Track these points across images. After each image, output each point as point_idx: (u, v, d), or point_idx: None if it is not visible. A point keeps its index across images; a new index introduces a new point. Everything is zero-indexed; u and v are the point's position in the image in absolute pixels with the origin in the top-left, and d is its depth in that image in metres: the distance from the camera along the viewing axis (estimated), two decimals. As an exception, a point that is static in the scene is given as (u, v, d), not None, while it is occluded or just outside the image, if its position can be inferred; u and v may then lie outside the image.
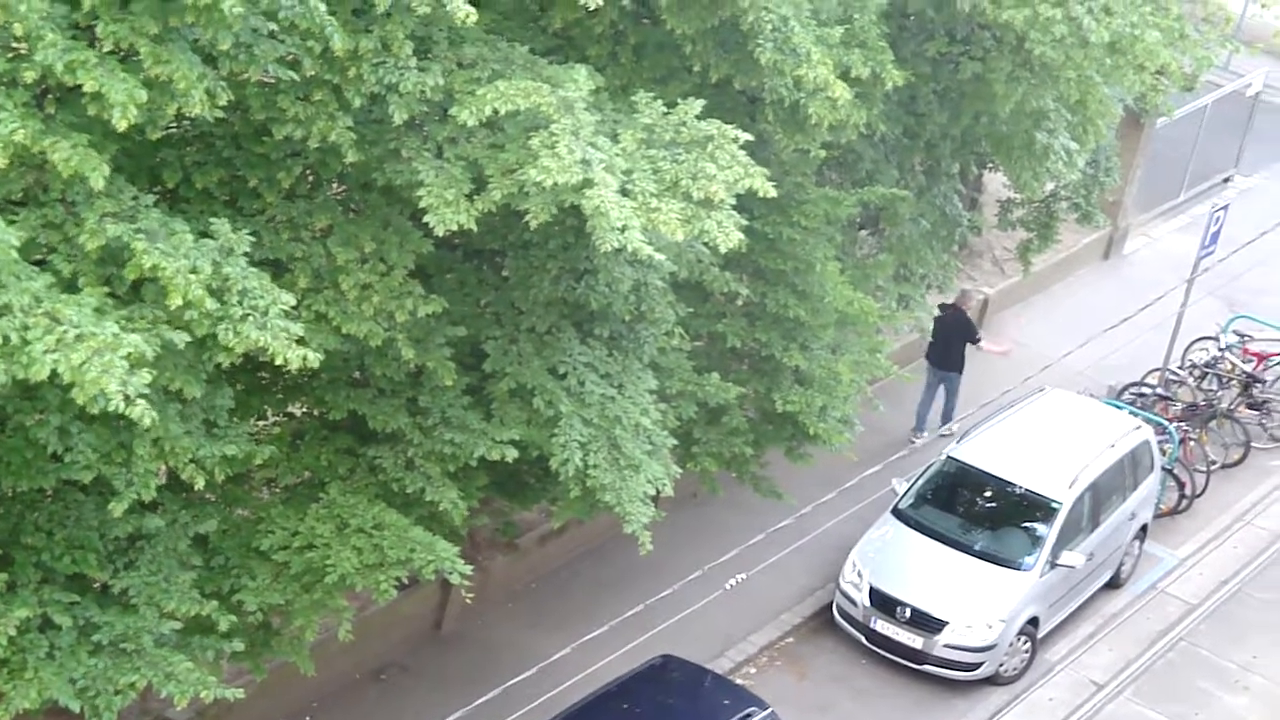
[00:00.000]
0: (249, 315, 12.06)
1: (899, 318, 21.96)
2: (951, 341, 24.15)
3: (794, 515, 21.95)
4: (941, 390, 24.51)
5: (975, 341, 24.26)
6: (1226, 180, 31.63)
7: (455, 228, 13.46)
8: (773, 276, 18.17)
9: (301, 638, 15.17)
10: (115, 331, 11.08)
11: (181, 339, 11.90)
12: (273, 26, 12.41)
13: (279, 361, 12.06)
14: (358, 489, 15.23)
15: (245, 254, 12.37)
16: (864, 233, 22.51)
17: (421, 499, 15.26)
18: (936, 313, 23.66)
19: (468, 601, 17.41)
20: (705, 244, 14.07)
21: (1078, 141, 20.70)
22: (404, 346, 14.43)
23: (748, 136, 14.15)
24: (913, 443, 23.34)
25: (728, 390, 17.49)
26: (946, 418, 24.44)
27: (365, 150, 13.76)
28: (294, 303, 12.38)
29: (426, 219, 13.50)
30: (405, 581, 15.02)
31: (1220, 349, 25.52)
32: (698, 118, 14.13)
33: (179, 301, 11.79)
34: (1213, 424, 24.54)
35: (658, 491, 15.71)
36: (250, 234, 12.72)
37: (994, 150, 21.41)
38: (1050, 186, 24.50)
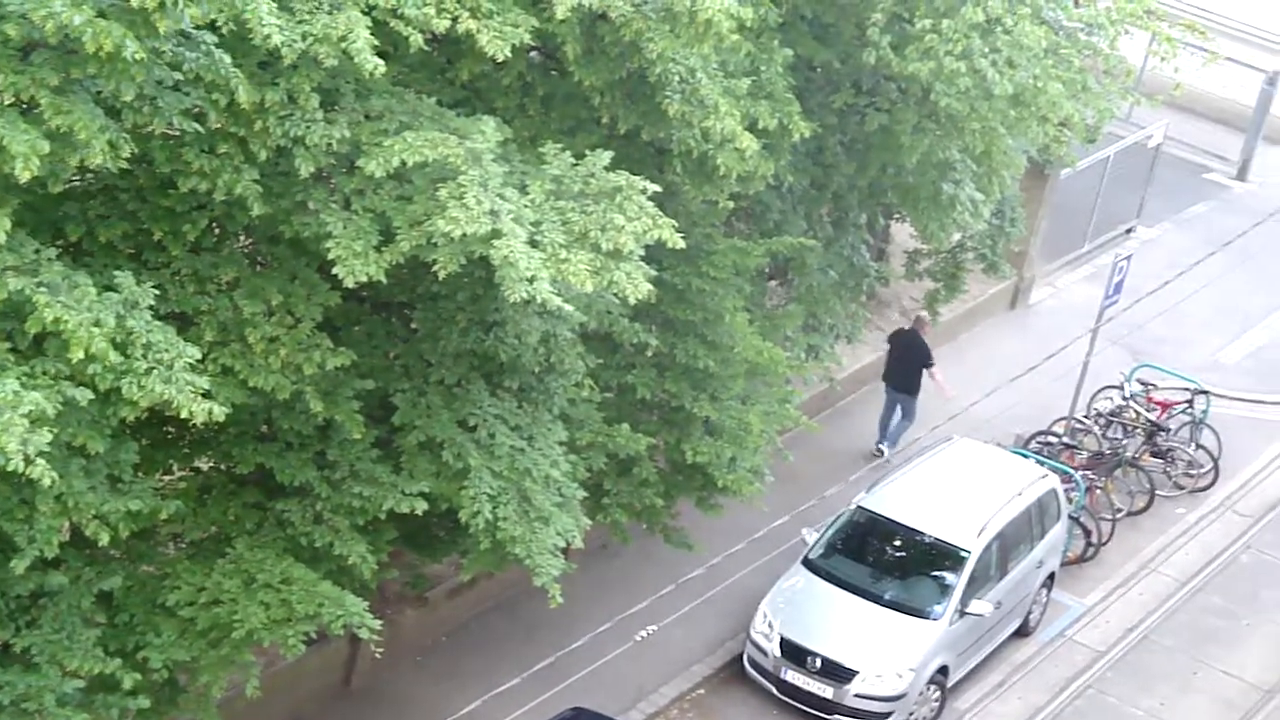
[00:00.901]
0: (154, 369, 11.95)
1: (808, 368, 22.05)
2: (907, 364, 24.68)
3: (705, 566, 22.04)
4: (898, 411, 25.03)
5: (929, 366, 24.64)
6: (1129, 231, 32.02)
7: (364, 279, 13.41)
8: (682, 327, 18.19)
9: (208, 694, 14.98)
10: (15, 389, 10.95)
11: (84, 395, 11.76)
12: (177, 78, 12.34)
13: (184, 415, 11.96)
14: (265, 543, 15.08)
15: (150, 307, 12.27)
16: (773, 283, 22.61)
17: (330, 553, 15.13)
18: (890, 332, 24.83)
19: (377, 656, 17.24)
20: (614, 295, 14.10)
21: (983, 192, 20.91)
22: (312, 399, 14.33)
23: (656, 188, 14.20)
24: (878, 455, 24.60)
25: (638, 441, 17.47)
26: (892, 441, 24.97)
27: (272, 203, 13.69)
28: (200, 356, 12.29)
29: (335, 271, 13.45)
30: (314, 636, 14.87)
31: (1125, 398, 25.78)
32: (606, 169, 14.17)
33: (82, 355, 11.67)
34: (1118, 472, 24.76)
35: (568, 543, 15.67)
36: (155, 287, 12.61)
37: (901, 201, 21.58)
38: (957, 237, 24.70)
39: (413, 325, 16.02)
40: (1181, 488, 25.53)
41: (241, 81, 12.36)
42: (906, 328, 25.12)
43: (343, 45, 12.74)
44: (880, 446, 24.98)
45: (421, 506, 15.13)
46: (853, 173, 20.76)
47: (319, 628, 14.69)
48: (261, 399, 14.27)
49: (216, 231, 14.36)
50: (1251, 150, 34.95)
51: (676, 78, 14.92)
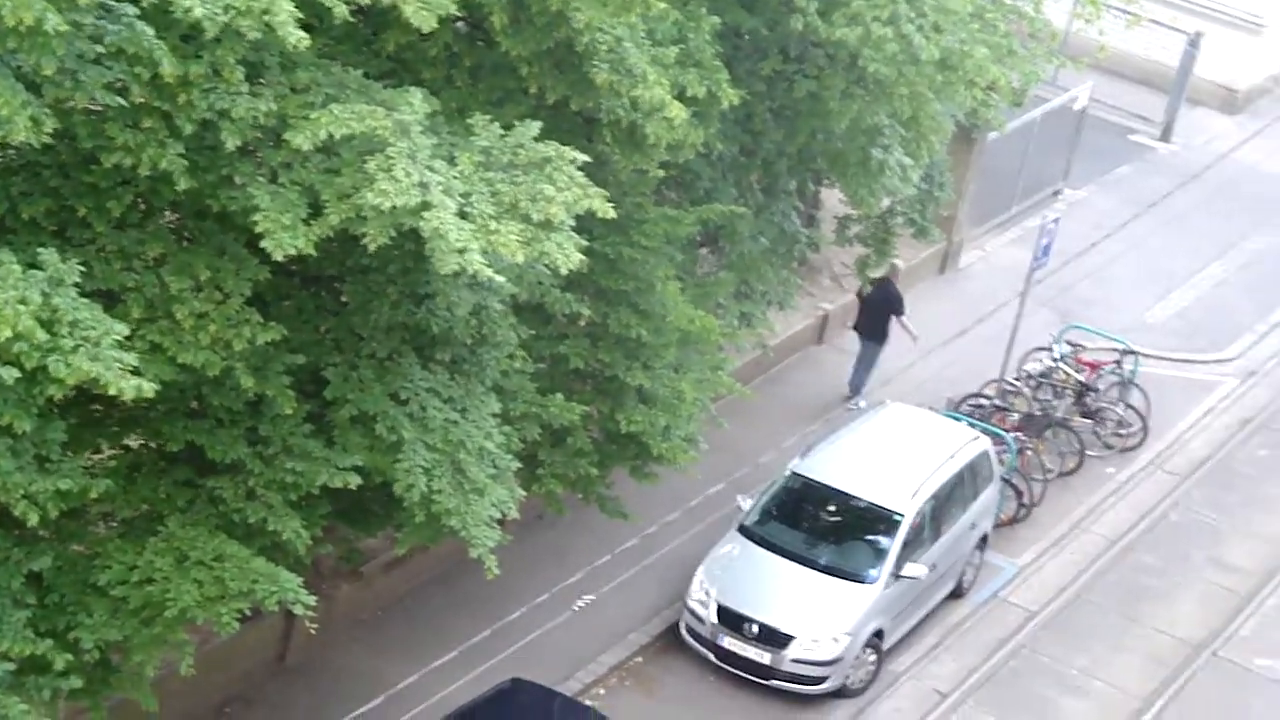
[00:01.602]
0: (80, 346, 11.82)
1: (741, 335, 22.08)
2: (879, 313, 25.39)
3: (640, 535, 22.08)
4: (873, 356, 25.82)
5: (899, 314, 25.30)
6: (1056, 193, 32.20)
7: (293, 253, 13.30)
8: (614, 297, 18.16)
9: (141, 674, 14.87)
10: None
11: (10, 374, 11.63)
12: (99, 51, 12.19)
13: (113, 393, 11.84)
14: (197, 521, 14.97)
15: (75, 284, 12.13)
16: (704, 251, 22.61)
17: (264, 529, 15.03)
18: (869, 289, 25.35)
19: (312, 632, 17.18)
20: (545, 266, 14.06)
21: (912, 157, 20.96)
22: (242, 375, 14.22)
23: (585, 158, 14.15)
24: (850, 409, 25.02)
25: (571, 411, 17.45)
26: (856, 389, 25.71)
27: (198, 177, 13.56)
28: (127, 333, 12.16)
29: (263, 245, 13.33)
30: (248, 613, 14.79)
31: (1054, 359, 25.94)
32: (535, 139, 14.10)
33: (8, 333, 11.53)
34: (1049, 433, 24.94)
35: (503, 515, 15.63)
36: (80, 264, 12.47)
37: (830, 167, 21.62)
38: (886, 202, 24.76)
39: (343, 299, 15.92)
40: (1111, 447, 25.74)
41: (165, 54, 12.22)
42: (880, 278, 25.65)
43: (265, 18, 12.60)
44: (854, 400, 25.56)
45: (355, 481, 15.06)
46: (782, 139, 20.76)
47: (253, 604, 14.60)
48: (191, 375, 14.15)
49: (142, 207, 14.21)
50: (1175, 112, 35.21)
51: (604, 47, 14.86)
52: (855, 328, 25.86)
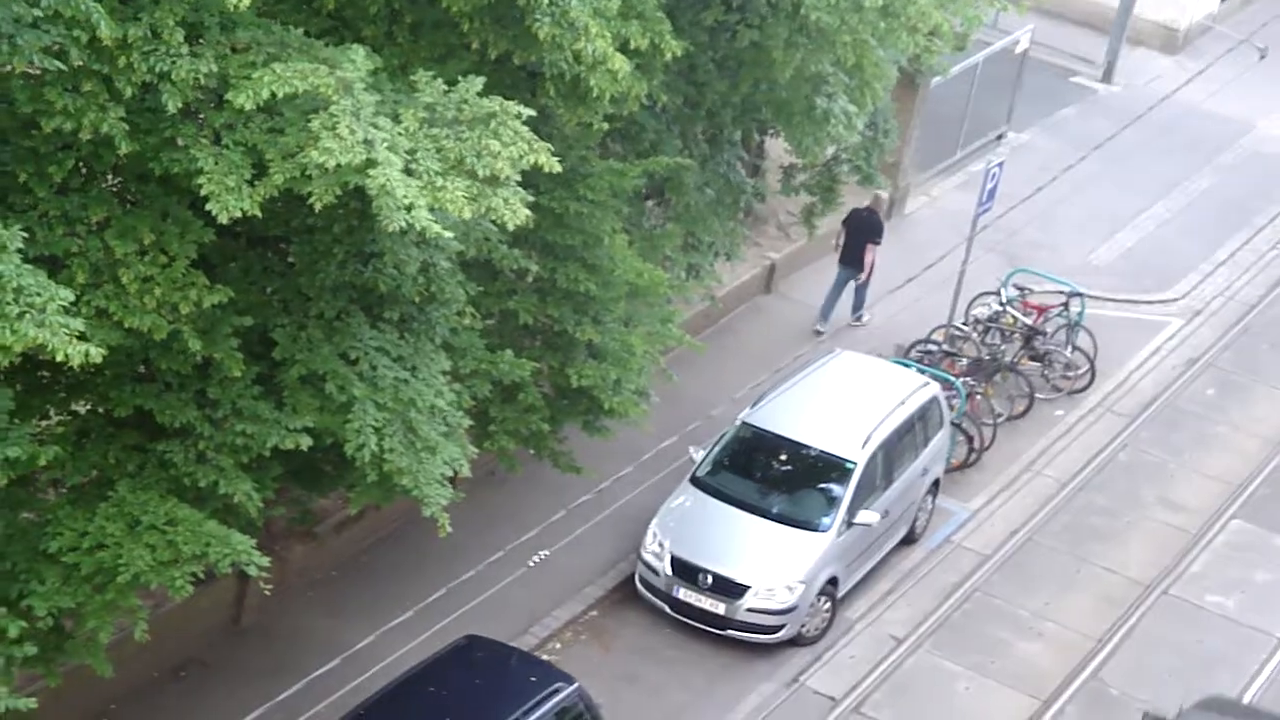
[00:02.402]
0: (26, 313, 11.71)
1: (689, 287, 22.07)
2: (856, 240, 26.09)
3: (594, 490, 22.10)
4: (851, 286, 26.34)
5: (877, 242, 26.06)
6: (1000, 137, 32.27)
7: (238, 214, 13.22)
8: (561, 251, 18.12)
9: (96, 640, 14.82)
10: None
11: (-44, 342, 11.53)
12: (36, 14, 12.05)
13: (60, 359, 11.75)
14: (148, 485, 14.90)
15: (19, 251, 12.01)
16: (650, 204, 22.57)
17: (215, 492, 14.99)
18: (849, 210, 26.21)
19: (266, 593, 17.13)
20: (493, 221, 14.00)
21: (856, 105, 20.92)
22: (190, 338, 14.13)
23: (530, 112, 14.09)
24: (819, 333, 25.99)
25: (522, 367, 17.43)
26: (857, 309, 26.57)
27: (140, 140, 13.45)
28: (73, 298, 12.05)
29: (208, 207, 13.24)
30: (201, 576, 14.75)
31: (1001, 303, 26.06)
32: (479, 95, 14.03)
33: (-49, 302, 11.42)
34: (997, 377, 25.06)
35: (455, 473, 15.62)
36: (23, 230, 12.34)
37: (774, 116, 21.57)
38: (831, 150, 24.77)
39: (290, 259, 15.84)
40: (1059, 390, 25.90)
41: (103, 17, 12.09)
42: (863, 206, 26.20)
43: (205, -23, 12.51)
44: (819, 327, 26.25)
45: (306, 442, 15.02)
46: (726, 90, 20.70)
47: (206, 567, 14.56)
48: (138, 340, 14.07)
49: (84, 171, 14.09)
50: (1116, 53, 35.30)
51: (546, 1, 14.77)
52: (840, 259, 26.40)
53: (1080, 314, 26.40)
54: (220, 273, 15.13)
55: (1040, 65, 33.75)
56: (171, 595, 14.52)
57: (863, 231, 26.08)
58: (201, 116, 13.60)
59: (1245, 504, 24.28)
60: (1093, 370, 26.06)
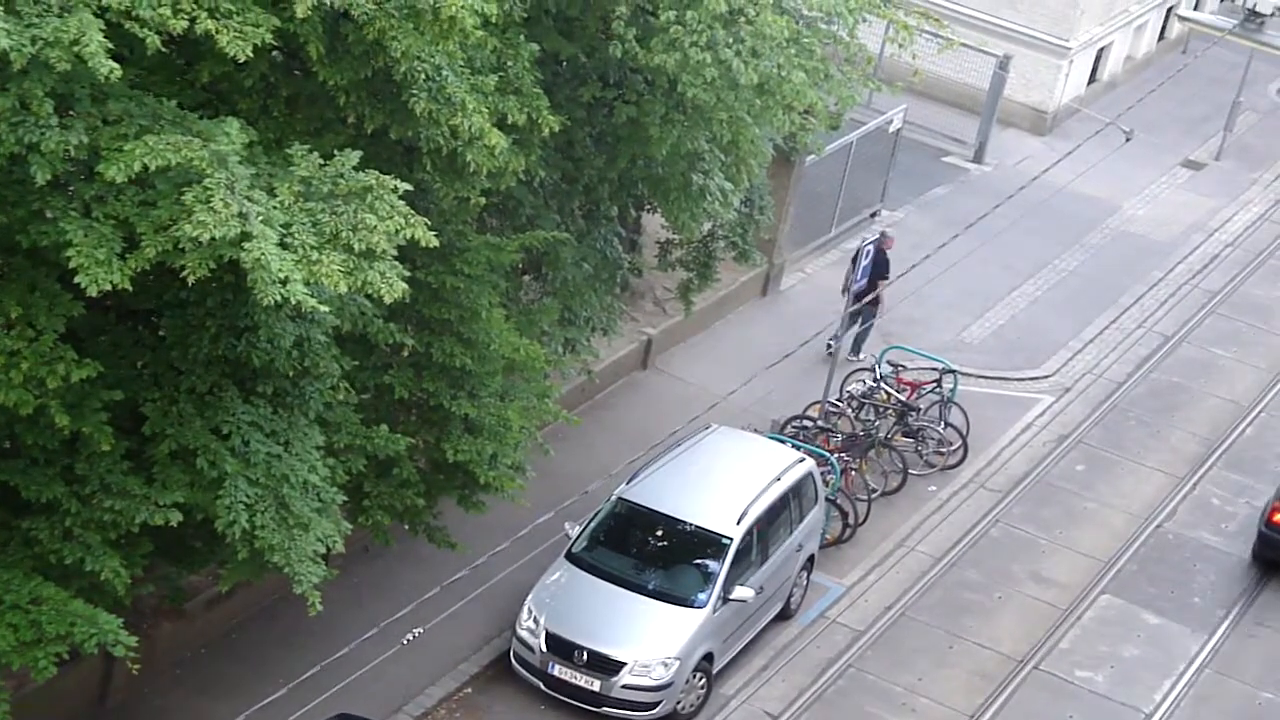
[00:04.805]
0: (-113, 388, 11.48)
1: (566, 362, 22.06)
2: (870, 276, 26.91)
3: (469, 565, 21.84)
4: (858, 322, 27.61)
5: (884, 278, 27.14)
6: (874, 215, 32.62)
7: (108, 288, 13.04)
8: (438, 326, 18.06)
9: (-43, 721, 14.49)
10: None
11: None
12: (-98, 84, 11.88)
13: (-78, 435, 11.52)
14: (12, 563, 14.63)
15: (-118, 324, 11.79)
16: (527, 278, 22.56)
17: (81, 569, 14.73)
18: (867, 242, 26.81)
19: (134, 672, 16.81)
20: (369, 295, 13.93)
21: (732, 181, 21.10)
22: (57, 413, 13.92)
23: (407, 186, 14.07)
24: (829, 349, 26.87)
25: (397, 442, 17.31)
26: (856, 348, 27.88)
27: (7, 212, 13.28)
28: (-64, 373, 11.83)
29: (77, 280, 13.07)
30: (66, 656, 14.46)
31: (875, 379, 26.28)
32: (355, 169, 14.00)
33: None
34: (872, 453, 25.23)
35: (328, 549, 15.45)
36: (-114, 303, 12.12)
37: (651, 192, 21.69)
38: (707, 226, 24.90)
39: (161, 333, 15.65)
40: (933, 466, 26.11)
41: (-30, 87, 11.93)
42: (873, 240, 27.02)
43: (75, 49, 12.37)
44: (831, 341, 26.96)
45: (176, 518, 14.83)
46: (603, 165, 20.80)
47: (71, 647, 14.28)
48: (3, 415, 13.83)
49: (-51, 243, 13.87)
50: (987, 133, 35.87)
51: (423, 75, 14.78)
52: (845, 291, 27.04)
53: (953, 390, 26.68)
54: (89, 346, 14.92)
55: (913, 145, 34.22)
56: (35, 677, 14.24)
57: (873, 269, 26.98)
58: (71, 188, 13.45)
59: (1114, 579, 24.57)
60: (965, 446, 26.31)
